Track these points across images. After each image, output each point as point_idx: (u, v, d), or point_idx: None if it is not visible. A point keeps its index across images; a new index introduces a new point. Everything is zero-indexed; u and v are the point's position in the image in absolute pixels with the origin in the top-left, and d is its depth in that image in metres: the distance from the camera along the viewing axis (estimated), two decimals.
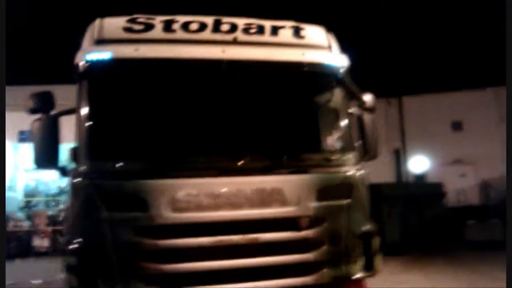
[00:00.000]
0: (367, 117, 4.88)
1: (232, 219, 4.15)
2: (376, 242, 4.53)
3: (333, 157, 4.53)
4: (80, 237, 4.01)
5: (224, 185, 4.16)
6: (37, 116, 4.30)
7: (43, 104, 4.33)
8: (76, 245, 3.98)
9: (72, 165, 4.26)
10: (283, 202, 4.23)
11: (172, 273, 4.03)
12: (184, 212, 4.06)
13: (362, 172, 4.56)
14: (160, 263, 4.00)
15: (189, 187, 4.09)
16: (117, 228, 3.97)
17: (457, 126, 24.23)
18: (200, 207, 4.08)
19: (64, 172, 4.47)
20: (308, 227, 4.27)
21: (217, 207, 4.11)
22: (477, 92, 23.32)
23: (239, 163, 4.22)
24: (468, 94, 23.31)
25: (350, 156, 4.58)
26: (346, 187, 4.45)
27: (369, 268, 4.47)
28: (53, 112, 4.32)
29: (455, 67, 22.64)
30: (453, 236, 17.52)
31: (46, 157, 4.27)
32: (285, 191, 4.24)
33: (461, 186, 21.91)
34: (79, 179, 4.09)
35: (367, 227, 4.51)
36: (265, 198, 4.20)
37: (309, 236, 4.27)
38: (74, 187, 4.15)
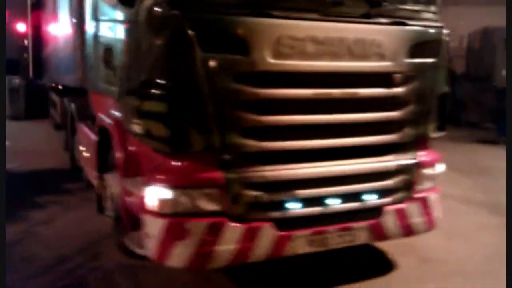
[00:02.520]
0: None
1: (333, 71, 3.73)
2: (448, 104, 4.46)
3: (424, 10, 4.18)
4: (168, 80, 3.35)
5: (327, 30, 3.66)
6: None
7: None
8: (164, 89, 3.34)
9: None
10: (381, 56, 3.88)
11: (271, 126, 3.60)
12: (286, 59, 3.53)
13: (446, 29, 4.30)
14: (260, 115, 3.54)
15: (292, 30, 3.53)
16: (213, 72, 3.34)
17: None
18: (302, 54, 3.58)
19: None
20: (400, 84, 4.02)
21: (319, 56, 3.64)
22: None
23: (339, 6, 3.72)
24: None
25: (436, 10, 4.26)
26: (435, 44, 4.19)
27: (442, 128, 4.43)
28: None
29: None
30: None
31: None
32: (383, 44, 3.87)
33: None
34: (162, 8, 3.31)
35: (446, 88, 4.38)
36: (365, 49, 3.80)
37: (399, 94, 4.03)
38: (155, 18, 3.36)
